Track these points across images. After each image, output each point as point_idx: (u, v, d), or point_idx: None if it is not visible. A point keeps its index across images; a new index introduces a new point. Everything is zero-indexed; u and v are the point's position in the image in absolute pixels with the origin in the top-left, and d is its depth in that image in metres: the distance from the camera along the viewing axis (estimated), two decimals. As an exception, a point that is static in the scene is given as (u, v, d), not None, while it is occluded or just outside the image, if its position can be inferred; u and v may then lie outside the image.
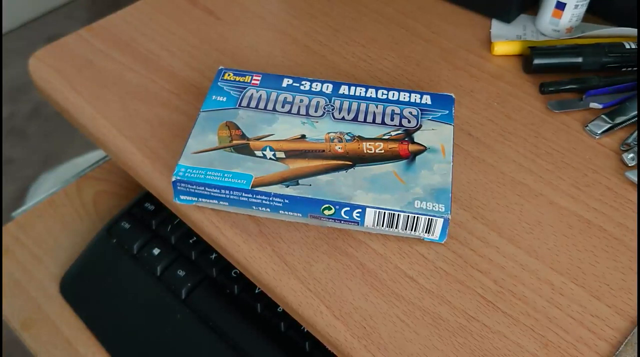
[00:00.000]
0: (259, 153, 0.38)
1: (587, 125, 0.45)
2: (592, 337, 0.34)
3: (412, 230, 0.37)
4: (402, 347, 0.33)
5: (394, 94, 0.42)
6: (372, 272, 0.36)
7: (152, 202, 0.60)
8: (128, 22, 0.54)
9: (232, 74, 0.43)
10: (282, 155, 0.38)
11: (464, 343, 0.33)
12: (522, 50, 0.50)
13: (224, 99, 0.42)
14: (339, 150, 0.38)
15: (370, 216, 0.36)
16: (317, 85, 0.43)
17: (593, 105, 0.46)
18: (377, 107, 0.41)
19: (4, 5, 1.68)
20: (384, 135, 0.39)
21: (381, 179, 0.37)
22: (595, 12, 0.53)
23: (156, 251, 0.57)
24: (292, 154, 0.38)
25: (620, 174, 0.42)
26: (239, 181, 0.37)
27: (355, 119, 0.40)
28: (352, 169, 0.37)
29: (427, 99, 0.42)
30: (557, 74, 0.48)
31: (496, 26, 0.53)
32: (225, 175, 0.37)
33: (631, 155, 0.42)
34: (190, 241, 0.57)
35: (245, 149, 0.38)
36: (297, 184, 0.36)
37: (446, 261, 0.37)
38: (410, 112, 0.41)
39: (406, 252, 0.37)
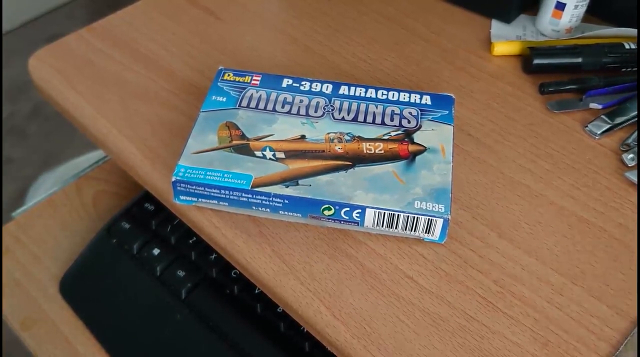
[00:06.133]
0: (258, 153, 0.38)
1: (587, 126, 0.45)
2: (592, 338, 0.34)
3: (412, 230, 0.36)
4: (401, 347, 0.33)
5: (393, 94, 0.42)
6: (372, 272, 0.36)
7: (152, 202, 0.60)
8: (128, 22, 0.54)
9: (232, 74, 0.43)
10: (282, 155, 0.38)
11: (463, 343, 0.33)
12: (522, 50, 0.50)
13: (224, 99, 0.42)
14: (339, 150, 0.38)
15: (370, 216, 0.36)
16: (317, 85, 0.43)
17: (593, 105, 0.46)
18: (377, 108, 0.41)
19: (4, 5, 1.68)
20: (383, 135, 0.39)
21: (381, 179, 0.37)
22: (595, 12, 0.53)
23: (156, 251, 0.57)
24: (292, 154, 0.38)
25: (620, 174, 0.42)
26: (239, 181, 0.37)
27: (355, 119, 0.40)
28: (352, 169, 0.37)
29: (427, 100, 0.42)
30: (557, 74, 0.48)
31: (496, 26, 0.53)
32: (225, 175, 0.37)
33: (631, 155, 0.42)
34: (190, 241, 0.57)
35: (245, 149, 0.38)
36: (297, 184, 0.36)
37: (446, 261, 0.37)
38: (410, 113, 0.41)
39: (406, 253, 0.37)
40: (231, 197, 0.37)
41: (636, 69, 0.48)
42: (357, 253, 0.37)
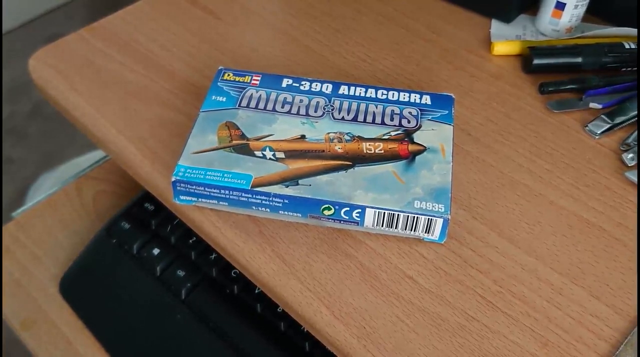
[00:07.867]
0: (258, 153, 0.38)
1: (586, 125, 0.45)
2: (592, 337, 0.34)
3: (411, 230, 0.37)
4: (401, 347, 0.33)
5: (393, 94, 0.42)
6: (372, 272, 0.36)
7: (152, 202, 0.61)
8: (128, 22, 0.54)
9: (231, 74, 0.43)
10: (281, 155, 0.38)
11: (463, 343, 0.33)
12: (521, 50, 0.50)
13: (224, 99, 0.42)
14: (339, 150, 0.38)
15: (370, 216, 0.36)
16: (316, 85, 0.43)
17: (593, 105, 0.46)
18: (376, 107, 0.41)
19: (4, 5, 1.68)
20: (383, 135, 0.39)
21: (381, 179, 0.37)
22: (595, 12, 0.53)
23: (156, 251, 0.57)
24: (291, 154, 0.38)
25: (620, 174, 0.42)
26: (239, 181, 0.37)
27: (355, 119, 0.40)
28: (352, 169, 0.37)
29: (426, 99, 0.42)
30: (557, 74, 0.48)
31: (496, 26, 0.53)
32: (225, 175, 0.37)
33: (631, 155, 0.42)
34: (190, 241, 0.57)
35: (245, 149, 0.38)
36: (297, 184, 0.36)
37: (446, 261, 0.37)
38: (410, 112, 0.41)
39: (406, 252, 0.37)
40: (231, 197, 0.37)
41: (636, 68, 0.48)
42: (357, 253, 0.37)
